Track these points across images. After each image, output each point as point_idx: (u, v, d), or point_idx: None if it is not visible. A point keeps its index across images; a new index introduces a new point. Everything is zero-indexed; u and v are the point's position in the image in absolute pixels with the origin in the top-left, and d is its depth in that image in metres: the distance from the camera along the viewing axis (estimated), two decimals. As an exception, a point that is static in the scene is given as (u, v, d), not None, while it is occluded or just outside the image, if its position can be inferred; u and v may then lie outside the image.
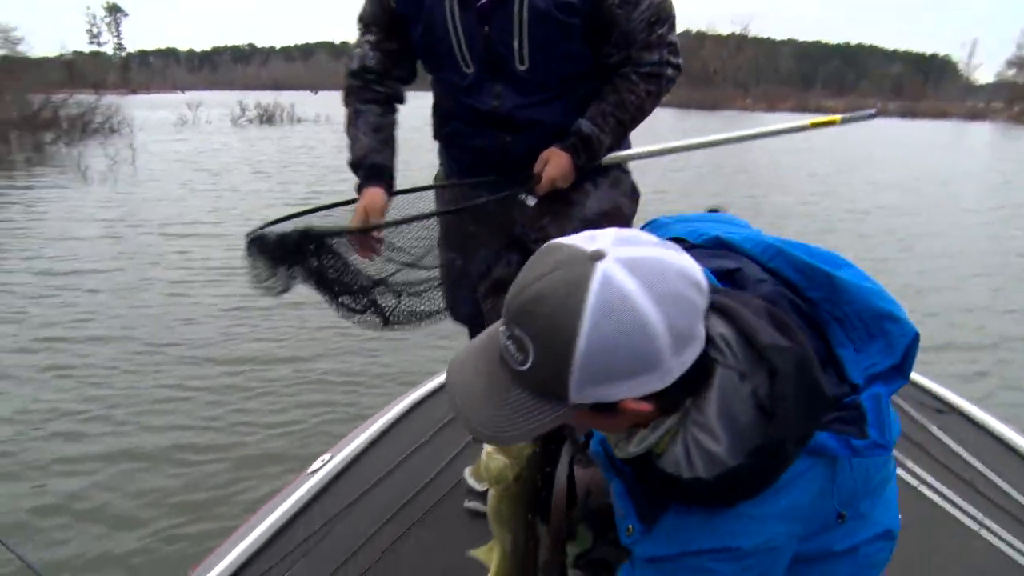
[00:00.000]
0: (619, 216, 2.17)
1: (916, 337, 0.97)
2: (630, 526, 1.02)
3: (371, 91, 2.13)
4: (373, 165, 2.09)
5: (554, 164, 2.02)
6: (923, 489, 2.43)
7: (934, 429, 2.85)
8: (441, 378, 3.04)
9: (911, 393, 3.17)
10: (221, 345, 6.11)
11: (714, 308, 0.89)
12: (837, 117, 2.14)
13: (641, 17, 1.90)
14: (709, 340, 0.87)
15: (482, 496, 2.34)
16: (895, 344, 0.96)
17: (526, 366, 0.85)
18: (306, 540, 2.22)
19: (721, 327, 0.88)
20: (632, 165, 2.29)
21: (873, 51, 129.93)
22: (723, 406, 0.87)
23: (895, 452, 2.60)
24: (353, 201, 2.11)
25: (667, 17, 1.94)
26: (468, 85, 2.02)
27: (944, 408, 3.08)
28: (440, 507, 2.40)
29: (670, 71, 2.00)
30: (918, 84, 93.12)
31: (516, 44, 1.91)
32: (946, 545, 2.17)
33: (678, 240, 1.09)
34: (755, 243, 1.05)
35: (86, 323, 6.60)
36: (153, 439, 4.52)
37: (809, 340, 0.92)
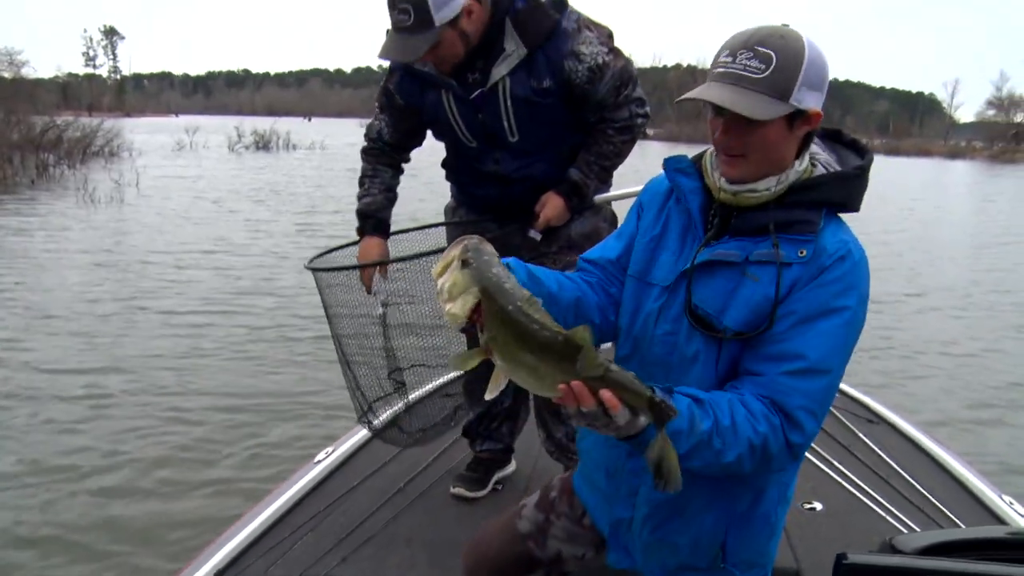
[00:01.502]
0: (598, 237, 2.44)
1: None
2: (802, 249, 1.37)
3: (387, 156, 2.62)
4: (381, 220, 2.60)
5: (551, 206, 2.45)
6: (844, 483, 2.91)
7: (862, 435, 3.34)
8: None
9: (847, 405, 3.68)
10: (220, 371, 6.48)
11: None
12: None
13: (607, 86, 2.30)
14: None
15: (464, 481, 2.73)
16: None
17: (766, 73, 1.31)
18: (313, 517, 2.54)
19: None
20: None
21: (860, 88, 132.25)
22: (827, 151, 1.49)
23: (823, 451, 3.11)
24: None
25: (629, 79, 2.35)
26: (472, 155, 2.48)
27: (874, 419, 3.59)
28: (428, 493, 2.76)
29: (639, 120, 2.42)
30: (903, 122, 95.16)
31: (506, 124, 2.35)
32: (859, 527, 2.61)
33: None
34: None
35: (89, 352, 6.79)
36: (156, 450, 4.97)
37: None
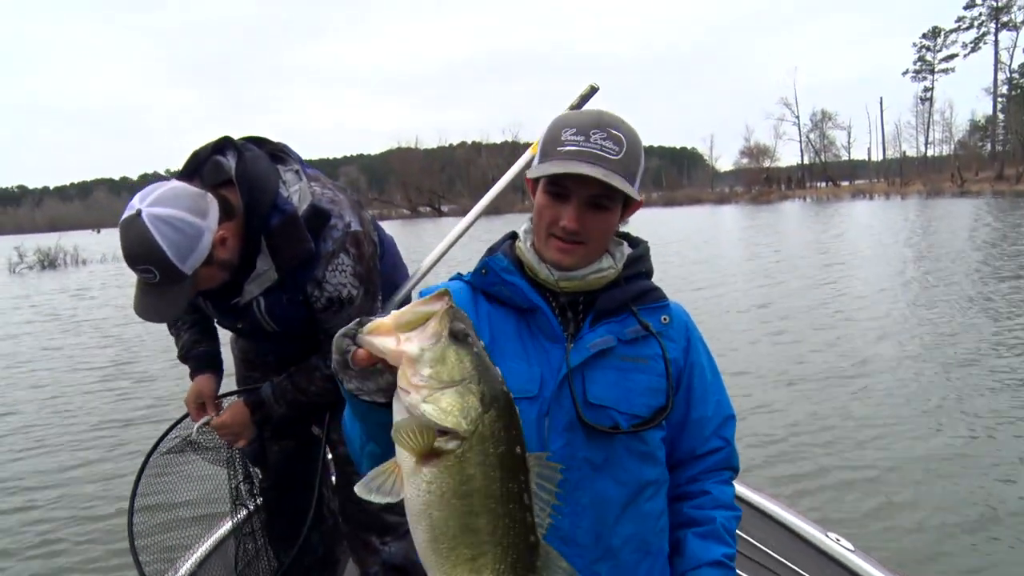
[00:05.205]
0: None
1: None
2: (664, 316, 1.42)
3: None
4: (198, 356, 2.41)
5: (234, 413, 2.31)
6: None
7: None
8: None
9: None
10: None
11: None
12: None
13: (344, 320, 2.01)
14: None
15: None
16: None
17: (620, 155, 1.29)
18: None
19: None
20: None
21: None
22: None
23: None
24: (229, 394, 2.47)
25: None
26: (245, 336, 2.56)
27: None
28: None
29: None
30: (674, 175, 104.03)
31: (267, 327, 2.26)
32: None
33: None
34: None
35: None
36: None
37: None
